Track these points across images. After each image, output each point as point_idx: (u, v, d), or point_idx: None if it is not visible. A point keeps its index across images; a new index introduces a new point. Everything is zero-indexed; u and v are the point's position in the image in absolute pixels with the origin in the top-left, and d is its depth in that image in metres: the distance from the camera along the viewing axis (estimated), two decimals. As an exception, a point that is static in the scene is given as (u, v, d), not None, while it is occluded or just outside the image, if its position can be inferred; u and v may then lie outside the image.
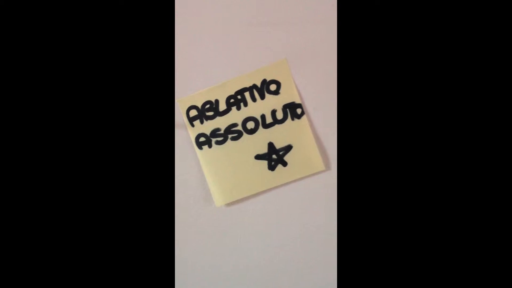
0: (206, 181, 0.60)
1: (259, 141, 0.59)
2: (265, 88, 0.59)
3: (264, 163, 0.59)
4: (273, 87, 0.59)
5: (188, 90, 0.60)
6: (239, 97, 0.59)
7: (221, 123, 0.60)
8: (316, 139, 0.59)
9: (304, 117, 0.59)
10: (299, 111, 0.59)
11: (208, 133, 0.60)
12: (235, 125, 0.59)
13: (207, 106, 0.60)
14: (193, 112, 0.60)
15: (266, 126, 0.59)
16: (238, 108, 0.59)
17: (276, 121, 0.59)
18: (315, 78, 0.58)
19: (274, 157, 0.59)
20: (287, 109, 0.59)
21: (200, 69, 0.59)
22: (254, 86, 0.59)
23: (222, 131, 0.60)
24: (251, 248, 0.59)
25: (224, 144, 0.60)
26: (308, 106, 0.59)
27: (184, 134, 0.60)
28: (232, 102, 0.59)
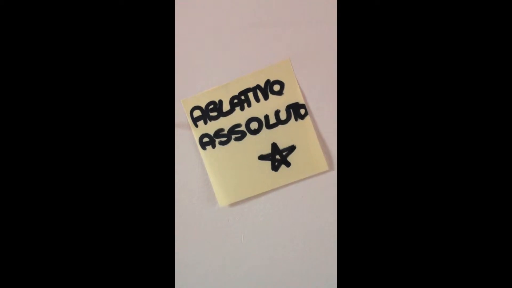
0: (209, 181, 0.60)
1: (262, 142, 0.60)
2: (268, 88, 0.59)
3: (268, 163, 0.59)
4: (276, 87, 0.59)
5: (192, 91, 0.60)
6: (242, 97, 0.60)
7: (224, 123, 0.60)
8: (320, 139, 0.59)
9: (307, 118, 0.59)
10: (302, 111, 0.59)
11: (211, 133, 0.60)
12: (238, 125, 0.60)
13: (211, 106, 0.60)
14: (197, 113, 0.60)
15: (269, 126, 0.59)
16: (242, 109, 0.60)
17: (279, 122, 0.59)
18: (318, 79, 0.58)
19: (278, 157, 0.59)
20: (291, 110, 0.59)
21: (204, 70, 0.59)
22: (258, 86, 0.59)
23: (225, 132, 0.60)
24: (254, 248, 0.59)
25: (227, 145, 0.60)
26: (312, 106, 0.59)
27: (187, 134, 0.60)
28: (235, 102, 0.60)
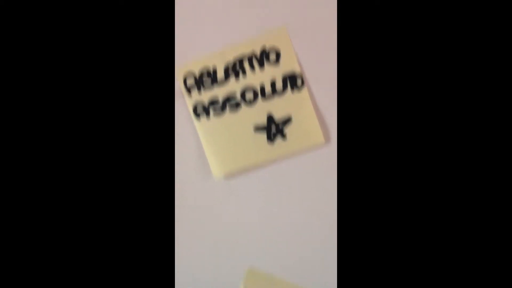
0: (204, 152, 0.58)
1: (258, 113, 0.58)
2: (264, 57, 0.57)
3: (263, 135, 0.58)
4: (272, 56, 0.57)
5: (186, 58, 0.58)
6: (237, 65, 0.58)
7: (219, 92, 0.58)
8: (317, 111, 0.58)
9: (304, 89, 0.57)
10: (299, 82, 0.57)
11: (206, 102, 0.58)
12: (233, 95, 0.58)
13: (205, 74, 0.58)
14: (190, 81, 0.58)
15: (265, 97, 0.58)
16: (237, 78, 0.58)
17: (275, 92, 0.58)
18: (316, 48, 0.57)
19: (273, 129, 0.58)
20: (287, 80, 0.58)
21: (199, 37, 0.58)
22: (253, 54, 0.57)
23: (220, 102, 0.58)
24: (250, 223, 0.58)
25: (222, 115, 0.58)
26: (309, 77, 0.57)
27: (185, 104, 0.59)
28: (230, 71, 0.58)
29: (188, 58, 0.58)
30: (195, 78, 0.58)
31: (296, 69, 0.57)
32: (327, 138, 0.57)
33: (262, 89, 0.58)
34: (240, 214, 0.58)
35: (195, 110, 0.58)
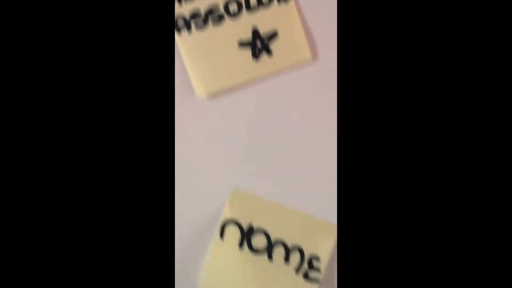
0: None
1: (242, 27, 0.54)
2: (249, -35, 0.53)
3: (248, 51, 0.55)
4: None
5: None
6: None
7: (201, 4, 0.54)
8: (304, 25, 0.54)
9: (291, 1, 0.54)
10: (286, -7, 0.54)
11: (187, 15, 0.54)
12: (216, 7, 0.54)
13: (185, -16, 0.53)
14: (169, -9, 0.54)
15: (250, 9, 0.54)
16: (220, -12, 0.54)
17: (260, 5, 0.54)
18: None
19: (259, 44, 0.55)
20: (273, -9, 0.54)
21: None
22: None
23: (202, 14, 0.54)
24: (236, 143, 0.56)
25: (204, 29, 0.54)
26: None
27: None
28: (212, -20, 0.53)
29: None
30: (175, -12, 0.53)
31: (283, -21, 0.54)
32: (315, 54, 0.55)
33: (247, 1, 0.54)
34: (225, 134, 0.56)
35: (175, 24, 0.54)
